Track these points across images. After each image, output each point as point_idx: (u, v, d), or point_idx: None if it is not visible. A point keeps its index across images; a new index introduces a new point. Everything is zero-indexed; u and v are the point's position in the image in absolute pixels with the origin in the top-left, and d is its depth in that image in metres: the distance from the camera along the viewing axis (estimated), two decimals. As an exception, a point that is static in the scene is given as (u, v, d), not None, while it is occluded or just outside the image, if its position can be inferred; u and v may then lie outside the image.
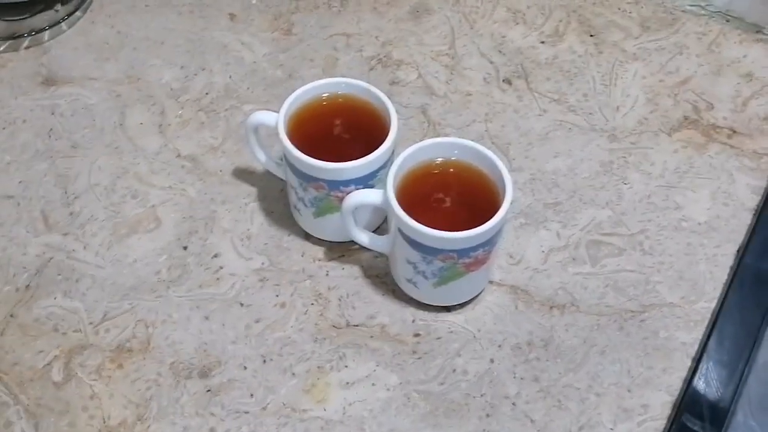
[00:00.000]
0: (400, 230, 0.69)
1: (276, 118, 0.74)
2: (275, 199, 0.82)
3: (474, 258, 0.69)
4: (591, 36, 0.96)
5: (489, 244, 0.69)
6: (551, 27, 0.97)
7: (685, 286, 0.77)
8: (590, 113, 0.89)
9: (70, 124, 0.88)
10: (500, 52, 0.94)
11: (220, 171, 0.84)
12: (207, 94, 0.90)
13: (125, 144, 0.86)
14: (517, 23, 0.97)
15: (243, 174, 0.84)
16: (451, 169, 0.73)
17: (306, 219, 0.77)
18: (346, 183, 0.72)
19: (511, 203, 0.68)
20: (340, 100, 0.76)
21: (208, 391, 0.71)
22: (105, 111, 0.89)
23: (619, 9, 0.98)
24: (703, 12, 0.98)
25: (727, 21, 0.97)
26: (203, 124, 0.88)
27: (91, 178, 0.84)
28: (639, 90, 0.91)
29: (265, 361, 0.73)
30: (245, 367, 0.72)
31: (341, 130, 0.76)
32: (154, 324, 0.75)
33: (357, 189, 0.71)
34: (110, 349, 0.73)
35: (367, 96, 0.75)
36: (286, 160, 0.73)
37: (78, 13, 0.96)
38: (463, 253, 0.68)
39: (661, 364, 0.73)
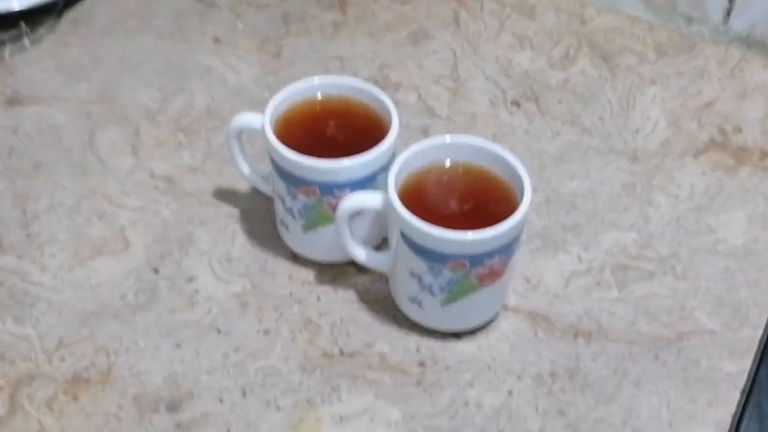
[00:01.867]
0: (403, 235, 0.60)
1: (263, 120, 0.65)
2: (260, 221, 0.73)
3: (488, 268, 0.60)
4: (604, 60, 0.89)
5: (506, 251, 0.60)
6: (561, 52, 0.90)
7: (725, 312, 0.68)
8: (607, 135, 0.81)
9: (33, 144, 0.79)
10: (507, 75, 0.87)
11: (199, 191, 0.75)
12: (186, 115, 0.82)
13: (94, 164, 0.77)
14: (524, 48, 0.90)
15: (224, 195, 0.75)
16: (461, 170, 0.64)
17: (294, 235, 0.68)
18: (341, 186, 0.63)
19: (526, 219, 0.60)
20: (334, 100, 0.68)
21: (178, 426, 0.60)
22: (73, 131, 0.80)
23: (632, 35, 0.92)
24: (722, 39, 0.91)
25: (748, 47, 0.90)
26: (181, 144, 0.79)
27: (54, 199, 0.74)
28: (660, 113, 0.84)
29: (245, 394, 0.62)
30: (221, 400, 0.62)
31: (336, 132, 0.67)
32: (117, 352, 0.64)
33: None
34: (64, 379, 0.63)
35: (364, 97, 0.67)
36: (272, 163, 0.65)
37: (41, 31, 0.88)
38: (476, 260, 0.59)
39: (705, 397, 0.63)
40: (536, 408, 0.62)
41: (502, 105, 0.84)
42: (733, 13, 0.90)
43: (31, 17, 0.90)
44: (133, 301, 0.67)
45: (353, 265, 0.70)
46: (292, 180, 0.63)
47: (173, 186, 0.76)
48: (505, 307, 0.68)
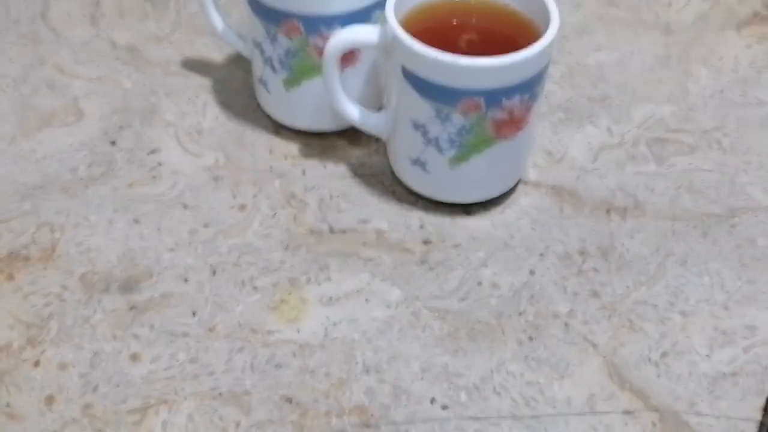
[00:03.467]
0: (405, 72, 0.49)
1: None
2: (236, 92, 0.63)
3: (508, 112, 0.49)
4: (628, -65, 0.78)
5: (528, 90, 0.49)
6: (580, -74, 0.79)
7: (783, 187, 0.58)
8: (636, 8, 0.71)
9: (-25, 14, 0.68)
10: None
11: (166, 62, 0.65)
12: (155, -16, 0.71)
13: (46, 34, 0.67)
14: None
15: (195, 65, 0.65)
16: (473, 3, 0.53)
17: (275, 96, 0.57)
18: (329, 21, 0.52)
19: (552, 51, 0.49)
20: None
21: (132, 308, 0.50)
22: (24, 2, 0.70)
23: None
24: None
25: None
26: (147, 14, 0.69)
27: (-3, 69, 0.64)
28: (694, -14, 0.73)
29: (215, 273, 0.52)
30: (186, 280, 0.51)
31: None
32: (63, 228, 0.54)
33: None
34: (-2, 257, 0.52)
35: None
36: (248, -1, 0.54)
37: None
38: (493, 98, 0.48)
39: (765, 277, 0.53)
40: (564, 289, 0.52)
41: (516, -23, 0.73)
42: None
43: None
44: (85, 175, 0.57)
45: (344, 136, 0.59)
46: (271, 16, 0.53)
47: (136, 56, 0.65)
48: (524, 183, 0.57)
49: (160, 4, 0.69)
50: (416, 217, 0.55)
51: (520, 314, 0.50)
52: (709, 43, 0.68)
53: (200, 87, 0.63)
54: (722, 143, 0.61)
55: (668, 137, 0.61)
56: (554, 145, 0.60)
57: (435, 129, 0.50)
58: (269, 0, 0.52)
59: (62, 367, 0.47)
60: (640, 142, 0.60)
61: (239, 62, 0.64)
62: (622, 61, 0.66)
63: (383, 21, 0.51)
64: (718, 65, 0.66)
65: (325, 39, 0.52)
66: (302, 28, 0.52)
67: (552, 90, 0.63)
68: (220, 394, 0.46)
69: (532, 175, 0.58)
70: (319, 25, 0.52)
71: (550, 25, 0.49)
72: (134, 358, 0.48)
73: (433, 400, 0.46)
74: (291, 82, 0.56)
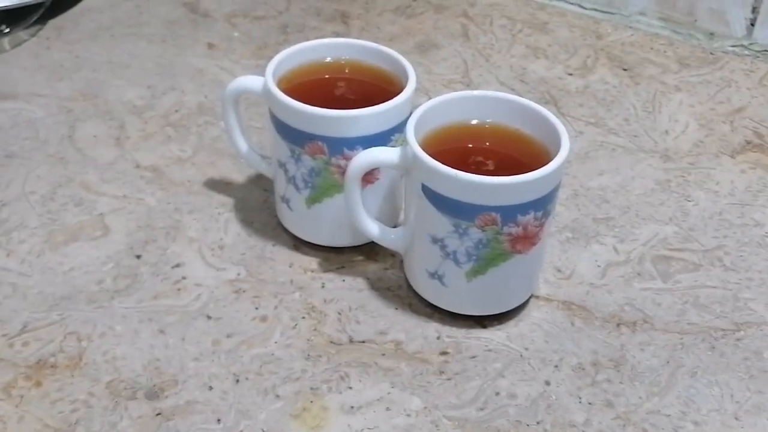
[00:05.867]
0: (425, 189, 0.52)
1: (263, 82, 0.58)
2: (257, 209, 0.65)
3: (522, 228, 0.52)
4: (624, 70, 0.83)
5: (540, 207, 0.52)
6: (578, 61, 0.84)
7: (785, 303, 0.60)
8: (635, 136, 0.75)
9: (7, 135, 0.71)
10: (522, 81, 0.81)
11: (188, 181, 0.68)
12: (177, 111, 0.75)
13: (72, 155, 0.70)
14: (539, 57, 0.85)
15: (217, 185, 0.68)
16: (488, 128, 0.57)
17: (297, 213, 0.60)
18: (352, 144, 0.55)
19: (563, 172, 0.52)
20: (344, 63, 0.61)
21: (158, 414, 0.51)
22: (52, 124, 0.73)
23: (652, 49, 0.87)
24: (746, 52, 0.86)
25: (776, 60, 0.85)
26: (170, 137, 0.72)
27: (26, 187, 0.67)
28: (688, 117, 0.77)
29: (238, 381, 0.53)
30: (211, 388, 0.53)
31: (346, 92, 0.60)
32: (90, 337, 0.55)
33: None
34: (27, 364, 0.53)
35: (376, 58, 0.61)
36: (273, 122, 0.57)
37: (22, 34, 0.82)
38: (508, 215, 0.51)
39: (773, 389, 0.54)
40: (579, 399, 0.53)
41: (520, 106, 0.77)
42: (757, 25, 0.86)
43: (13, 20, 0.83)
44: (111, 287, 0.59)
45: (361, 252, 0.62)
46: (297, 139, 0.56)
47: (160, 176, 0.68)
48: (536, 297, 0.59)
49: (183, 129, 0.73)
50: (433, 328, 0.57)
51: (538, 423, 0.52)
52: (706, 168, 0.72)
53: (222, 205, 0.66)
54: (724, 261, 0.63)
55: (672, 255, 0.63)
56: (563, 262, 0.62)
57: (453, 242, 0.53)
58: (296, 123, 0.55)
59: (89, 471, 0.48)
60: (645, 260, 0.63)
61: (259, 182, 0.67)
62: (624, 184, 0.70)
63: (403, 143, 0.54)
64: (716, 189, 0.70)
65: (347, 159, 0.55)
66: (326, 149, 0.55)
67: (559, 211, 0.66)
68: (245, 499, 0.47)
69: (543, 290, 0.60)
70: (342, 146, 0.55)
71: (561, 148, 0.52)
72: (160, 463, 0.48)
73: (455, 506, 0.47)
74: (313, 200, 0.58)
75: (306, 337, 0.56)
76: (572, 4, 0.92)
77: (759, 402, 0.54)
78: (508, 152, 0.56)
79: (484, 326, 0.57)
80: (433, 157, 0.52)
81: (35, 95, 0.76)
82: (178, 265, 0.61)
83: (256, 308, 0.58)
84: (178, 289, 0.59)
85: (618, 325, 0.58)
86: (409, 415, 0.52)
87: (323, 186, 0.57)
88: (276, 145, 0.58)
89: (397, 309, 0.58)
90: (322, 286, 0.60)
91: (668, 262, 0.63)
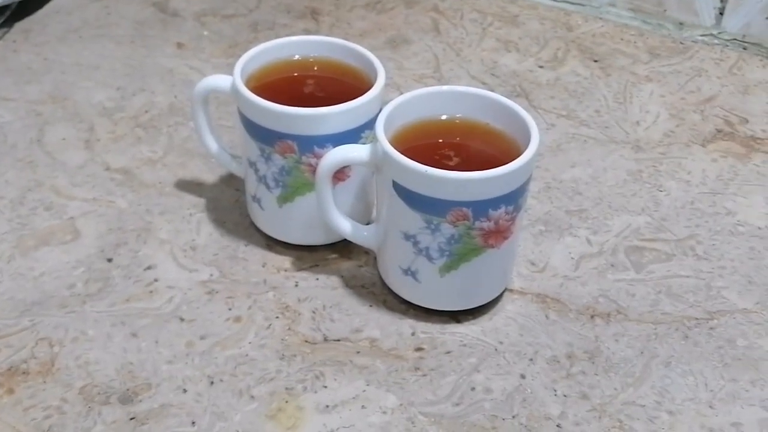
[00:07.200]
0: (396, 186, 0.52)
1: (231, 81, 0.58)
2: (229, 210, 0.65)
3: (494, 222, 0.52)
4: (595, 61, 0.83)
5: (511, 201, 0.52)
6: (549, 54, 0.84)
7: (757, 291, 0.60)
8: (606, 127, 0.75)
9: (-27, 141, 0.71)
10: (493, 74, 0.81)
11: (159, 183, 0.67)
12: (147, 112, 0.75)
13: (42, 158, 0.69)
14: (509, 50, 0.85)
15: (188, 185, 0.67)
16: (458, 123, 0.57)
17: (269, 212, 0.60)
18: (322, 141, 0.55)
19: (534, 165, 0.52)
20: (312, 61, 0.61)
21: (132, 419, 0.51)
22: (21, 128, 0.72)
23: (622, 39, 0.87)
24: (716, 41, 0.87)
25: (744, 48, 0.86)
26: (140, 139, 0.72)
27: (-6, 192, 0.66)
28: (659, 107, 0.78)
29: (212, 383, 0.53)
30: (185, 390, 0.52)
31: (315, 90, 0.60)
32: (62, 342, 0.55)
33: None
34: (-3, 372, 0.53)
35: (345, 55, 0.60)
36: (242, 121, 0.57)
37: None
38: (479, 209, 0.51)
39: (746, 376, 0.55)
40: (555, 392, 0.53)
41: (491, 100, 0.77)
42: (726, 14, 0.86)
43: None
44: (82, 291, 0.58)
45: (334, 250, 0.62)
46: (266, 137, 0.55)
47: (130, 178, 0.68)
48: (510, 290, 0.59)
49: (153, 130, 0.72)
50: (407, 325, 0.57)
51: (514, 417, 0.52)
52: (677, 158, 0.72)
53: (194, 206, 0.65)
54: (696, 250, 0.63)
55: (645, 246, 0.64)
56: (536, 255, 0.63)
57: (425, 239, 0.53)
58: (265, 122, 0.55)
59: (63, 478, 0.47)
60: (618, 251, 0.63)
61: (230, 182, 0.67)
62: (596, 176, 0.70)
63: (373, 140, 0.54)
64: (688, 178, 0.70)
65: (318, 157, 0.55)
66: (296, 148, 0.55)
67: (532, 204, 0.66)
68: (221, 501, 0.47)
69: (516, 283, 0.60)
70: (312, 144, 0.55)
71: (531, 142, 0.52)
72: (135, 468, 0.48)
73: (432, 503, 0.47)
74: (284, 199, 0.58)
75: (280, 337, 0.56)
76: (542, -4, 0.92)
77: (733, 390, 0.54)
78: (478, 147, 0.56)
79: (458, 321, 0.57)
80: (404, 154, 0.52)
81: (3, 99, 0.75)
82: (149, 268, 0.60)
83: (230, 309, 0.58)
84: (151, 292, 0.58)
85: (592, 316, 0.58)
86: (384, 413, 0.52)
87: (294, 185, 0.57)
88: (246, 145, 0.58)
89: (371, 306, 0.58)
90: (296, 285, 0.59)
91: (641, 253, 0.63)
